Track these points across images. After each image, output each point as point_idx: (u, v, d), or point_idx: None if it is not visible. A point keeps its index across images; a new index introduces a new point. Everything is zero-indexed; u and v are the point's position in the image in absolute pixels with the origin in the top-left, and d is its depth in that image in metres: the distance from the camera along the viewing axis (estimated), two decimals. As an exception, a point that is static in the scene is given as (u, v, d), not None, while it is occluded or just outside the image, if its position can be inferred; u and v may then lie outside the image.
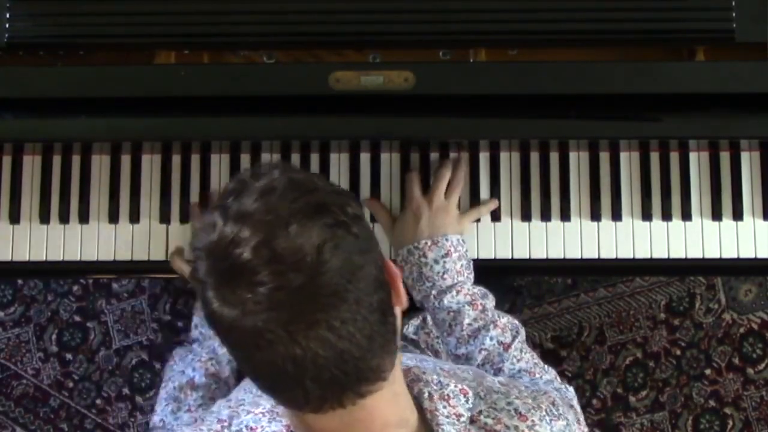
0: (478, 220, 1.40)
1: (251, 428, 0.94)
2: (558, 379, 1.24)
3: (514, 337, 1.26)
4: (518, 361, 1.24)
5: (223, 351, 1.30)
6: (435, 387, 0.95)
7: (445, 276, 1.30)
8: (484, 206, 1.39)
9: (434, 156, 1.41)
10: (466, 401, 0.95)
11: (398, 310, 0.88)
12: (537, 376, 1.23)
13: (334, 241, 0.79)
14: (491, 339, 1.25)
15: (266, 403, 0.97)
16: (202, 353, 1.30)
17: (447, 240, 1.31)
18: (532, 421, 0.95)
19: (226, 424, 0.98)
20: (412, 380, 0.95)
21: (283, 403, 0.87)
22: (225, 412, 1.02)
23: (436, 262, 1.30)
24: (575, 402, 1.15)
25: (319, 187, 0.83)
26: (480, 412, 0.95)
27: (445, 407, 0.93)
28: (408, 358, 1.09)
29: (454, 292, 1.29)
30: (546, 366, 1.26)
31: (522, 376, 1.22)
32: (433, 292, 1.29)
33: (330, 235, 0.79)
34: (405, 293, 0.89)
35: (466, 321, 1.27)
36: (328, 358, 0.79)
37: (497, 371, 1.24)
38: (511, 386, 1.03)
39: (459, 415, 0.93)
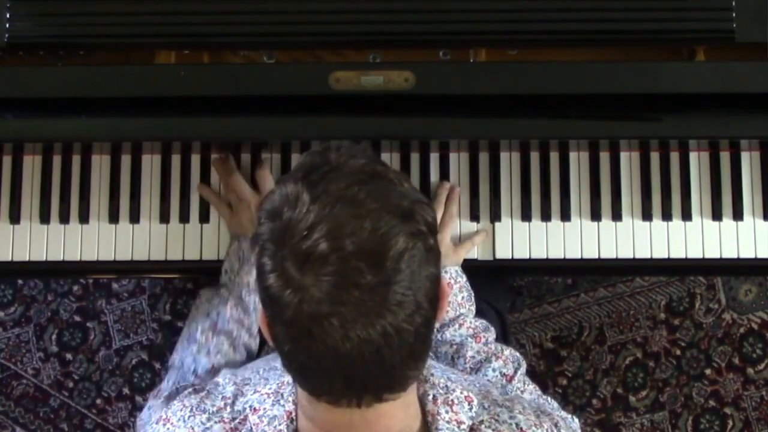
0: (477, 222, 1.40)
1: (254, 409, 0.95)
2: (562, 410, 1.24)
3: (516, 369, 1.26)
4: (522, 392, 1.24)
5: (249, 299, 1.30)
6: (441, 390, 0.95)
7: (447, 309, 1.30)
8: (477, 236, 1.39)
9: (434, 156, 1.41)
10: (470, 409, 0.95)
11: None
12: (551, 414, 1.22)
13: (412, 251, 0.80)
14: (494, 371, 1.25)
15: (273, 382, 0.97)
16: (229, 298, 1.30)
17: (446, 272, 1.32)
18: None
19: (229, 401, 0.98)
20: (418, 380, 0.95)
21: (302, 386, 0.88)
22: (230, 388, 1.02)
23: None
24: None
25: (406, 191, 0.84)
26: (482, 421, 0.95)
27: (447, 412, 0.93)
28: None
29: (456, 326, 1.29)
30: (549, 398, 1.26)
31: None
32: (436, 325, 1.29)
33: (411, 244, 0.80)
34: (445, 310, 0.90)
35: (469, 354, 1.27)
36: (369, 361, 0.80)
37: None
38: (515, 402, 1.03)
39: (460, 422, 0.93)
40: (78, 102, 1.31)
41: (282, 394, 0.95)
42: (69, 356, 2.09)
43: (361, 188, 0.81)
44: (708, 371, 2.05)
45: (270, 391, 0.96)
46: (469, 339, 1.28)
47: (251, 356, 1.32)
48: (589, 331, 2.07)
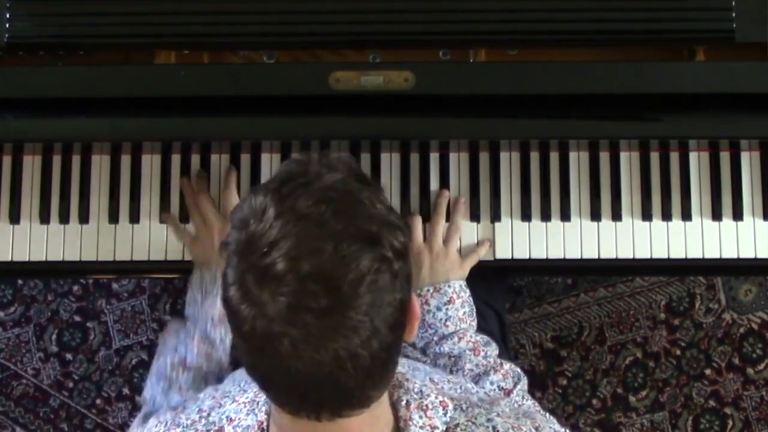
0: (477, 222, 1.40)
1: (230, 419, 0.95)
2: (562, 429, 1.23)
3: (515, 384, 1.26)
4: (519, 407, 1.23)
5: (215, 334, 1.29)
6: (415, 395, 0.94)
7: (448, 323, 1.30)
8: (481, 247, 1.38)
9: (434, 156, 1.41)
10: (445, 414, 0.94)
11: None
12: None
13: (374, 276, 0.78)
14: (491, 384, 1.25)
15: (251, 391, 0.97)
16: (194, 333, 1.29)
17: (449, 286, 1.32)
18: None
19: (204, 414, 0.99)
20: (393, 385, 0.94)
21: (267, 397, 0.89)
22: (208, 402, 1.02)
23: (439, 309, 1.31)
24: None
25: (376, 214, 0.82)
26: (457, 425, 0.94)
27: (421, 417, 0.92)
28: (401, 365, 1.09)
29: (456, 339, 1.29)
30: (548, 414, 1.23)
31: None
32: (435, 338, 1.30)
33: (374, 269, 0.78)
34: (416, 330, 0.89)
35: (468, 366, 1.27)
36: (323, 381, 0.79)
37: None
38: (495, 404, 1.02)
39: (434, 427, 0.92)
40: (78, 102, 1.31)
41: (257, 403, 0.95)
42: (69, 356, 2.09)
43: (328, 207, 0.79)
44: (708, 371, 2.05)
45: (247, 401, 0.96)
46: (468, 352, 1.28)
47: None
48: (589, 331, 2.07)
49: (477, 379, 1.27)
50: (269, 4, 1.31)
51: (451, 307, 1.31)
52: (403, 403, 0.93)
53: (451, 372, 1.28)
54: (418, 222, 1.37)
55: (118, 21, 1.32)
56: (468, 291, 1.34)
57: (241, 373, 1.14)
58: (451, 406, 0.95)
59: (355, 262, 0.77)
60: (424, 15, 1.31)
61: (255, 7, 1.31)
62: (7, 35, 1.31)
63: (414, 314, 0.87)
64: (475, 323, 1.34)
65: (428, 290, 1.31)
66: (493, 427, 0.95)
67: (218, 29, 1.32)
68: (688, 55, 1.35)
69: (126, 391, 2.08)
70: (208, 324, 1.29)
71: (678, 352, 2.06)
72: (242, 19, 1.31)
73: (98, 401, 2.08)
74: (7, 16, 1.31)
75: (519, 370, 1.29)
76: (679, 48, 1.36)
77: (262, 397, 0.94)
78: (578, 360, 2.06)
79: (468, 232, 1.40)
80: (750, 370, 2.05)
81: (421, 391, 0.95)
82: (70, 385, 2.09)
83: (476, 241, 1.40)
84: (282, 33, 1.32)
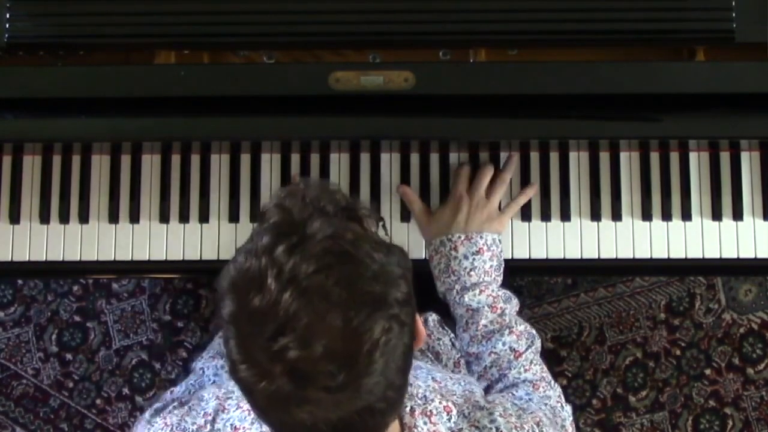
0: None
1: (235, 427, 0.95)
2: (561, 398, 1.23)
3: (528, 347, 1.26)
4: (526, 371, 1.24)
5: None
6: (419, 401, 0.95)
7: (471, 273, 1.29)
8: (522, 196, 1.37)
9: (434, 156, 1.41)
10: (449, 419, 0.95)
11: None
12: (540, 390, 1.22)
13: (387, 336, 0.78)
14: (504, 344, 1.25)
15: None
16: None
17: (481, 238, 1.31)
18: None
19: (210, 418, 0.99)
20: None
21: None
22: (212, 404, 1.02)
23: (466, 257, 1.30)
24: (568, 423, 1.14)
25: (377, 271, 0.81)
26: (461, 430, 0.95)
27: (425, 423, 0.93)
28: None
29: (477, 291, 1.28)
30: (553, 382, 1.25)
31: (523, 388, 1.21)
32: (457, 287, 1.29)
33: (386, 330, 0.78)
34: (422, 344, 0.89)
35: (482, 322, 1.27)
36: (338, 429, 0.80)
37: (502, 376, 1.24)
38: (497, 403, 1.03)
39: None
40: (78, 102, 1.31)
41: None
42: (69, 356, 2.09)
43: (330, 275, 0.78)
44: (708, 371, 2.05)
45: (250, 407, 0.96)
46: (486, 308, 1.28)
47: None
48: (589, 331, 2.07)
49: (490, 336, 1.26)
50: (269, 4, 1.31)
51: (478, 258, 1.30)
52: (407, 409, 0.94)
53: (467, 324, 1.28)
54: (464, 172, 1.37)
55: (118, 21, 1.32)
56: (501, 246, 1.33)
57: None
58: (455, 411, 0.96)
59: (368, 332, 0.77)
60: (424, 15, 1.31)
61: (255, 7, 1.31)
62: (7, 35, 1.31)
63: (420, 338, 0.87)
64: (500, 278, 1.33)
65: (459, 237, 1.31)
66: (497, 428, 0.96)
67: (218, 29, 1.32)
68: (688, 55, 1.35)
69: (126, 391, 2.08)
70: None
71: (678, 352, 2.06)
72: (242, 19, 1.31)
73: (98, 401, 2.08)
74: (7, 16, 1.31)
75: (533, 331, 1.29)
76: (679, 48, 1.36)
77: None
78: (578, 360, 2.06)
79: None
80: (750, 370, 2.05)
81: (425, 396, 0.95)
82: (70, 385, 2.09)
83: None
84: (282, 33, 1.32)
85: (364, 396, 0.79)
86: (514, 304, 1.32)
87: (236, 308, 0.79)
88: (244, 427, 0.95)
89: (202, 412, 1.01)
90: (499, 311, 1.28)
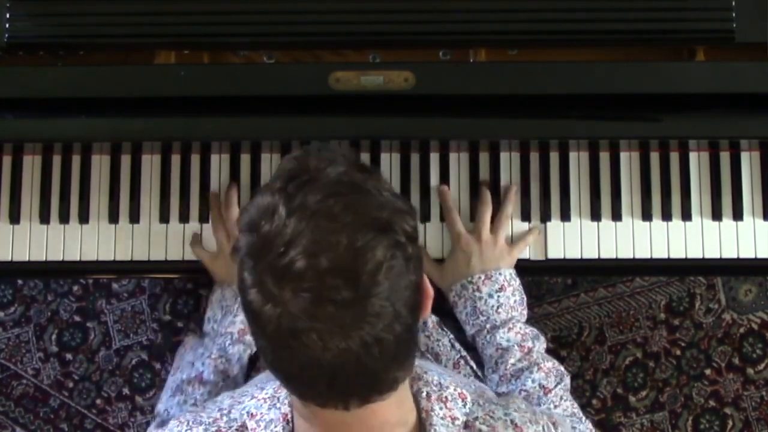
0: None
1: (251, 414, 0.96)
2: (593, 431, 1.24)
3: (557, 384, 1.26)
4: (555, 407, 1.24)
5: (233, 350, 1.29)
6: (434, 388, 0.95)
7: (500, 310, 1.31)
8: (530, 236, 1.39)
9: (434, 156, 1.41)
10: (464, 405, 0.95)
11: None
12: (567, 423, 1.21)
13: (390, 262, 0.80)
14: (533, 381, 1.26)
15: (270, 387, 0.97)
16: (213, 349, 1.30)
17: (500, 274, 1.32)
18: None
19: (225, 411, 0.99)
20: (413, 379, 0.96)
21: (289, 392, 0.89)
22: (227, 402, 1.03)
23: (491, 296, 1.31)
24: None
25: (385, 202, 0.83)
26: (476, 418, 0.95)
27: (441, 408, 0.93)
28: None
29: (506, 329, 1.29)
30: (583, 418, 1.25)
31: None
32: (487, 326, 1.30)
33: (389, 256, 0.80)
34: (429, 309, 0.90)
35: (511, 360, 1.27)
36: (350, 369, 0.81)
37: None
38: (511, 400, 1.03)
39: (454, 418, 0.93)
40: (78, 102, 1.31)
41: (278, 398, 0.95)
42: (69, 356, 2.09)
43: (338, 201, 0.80)
44: (708, 371, 2.05)
45: (267, 396, 0.97)
46: (516, 346, 1.28)
47: None
48: (589, 331, 2.06)
49: (519, 374, 1.27)
50: (269, 4, 1.31)
51: (502, 295, 1.31)
52: (424, 394, 0.94)
53: (496, 364, 1.28)
54: (455, 215, 1.37)
55: (118, 21, 1.32)
56: (518, 280, 1.34)
57: (262, 376, 1.15)
58: (469, 399, 0.96)
59: (371, 252, 0.79)
60: (424, 15, 1.31)
61: (255, 7, 1.31)
62: (7, 35, 1.31)
63: (427, 294, 0.88)
64: (525, 313, 1.34)
65: (480, 277, 1.31)
66: (512, 421, 0.97)
67: (218, 29, 1.32)
68: (688, 55, 1.35)
69: (126, 391, 2.08)
70: (227, 341, 1.29)
71: (678, 352, 2.06)
72: (242, 19, 1.31)
73: (98, 401, 2.08)
74: (7, 16, 1.31)
75: (563, 369, 1.29)
76: (679, 48, 1.36)
77: (282, 392, 0.95)
78: (578, 360, 2.06)
79: (519, 232, 1.40)
80: (750, 370, 2.05)
81: (440, 383, 0.96)
82: (70, 385, 2.09)
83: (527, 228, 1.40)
84: (282, 33, 1.32)
85: (370, 319, 0.79)
86: (542, 341, 1.32)
87: (249, 239, 0.81)
88: (261, 413, 0.95)
89: (217, 408, 1.01)
90: (527, 350, 1.29)
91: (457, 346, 1.38)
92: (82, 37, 1.33)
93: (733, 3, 1.29)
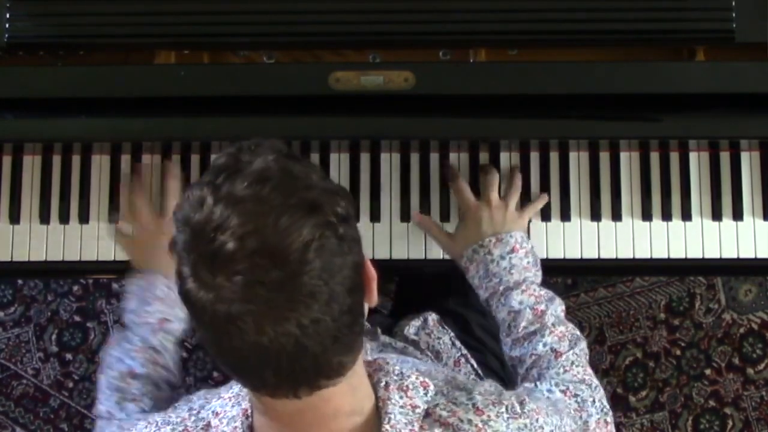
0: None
1: (216, 413, 0.96)
2: (602, 401, 1.20)
3: (570, 348, 1.24)
4: (565, 371, 1.21)
5: (155, 340, 1.28)
6: (395, 377, 0.95)
7: (513, 271, 1.29)
8: (538, 201, 1.39)
9: (434, 156, 1.41)
10: (425, 394, 0.95)
11: (367, 307, 0.89)
12: (579, 394, 1.18)
13: (320, 241, 0.80)
14: (544, 345, 1.24)
15: (236, 386, 0.98)
16: (136, 342, 1.28)
17: (511, 237, 1.31)
18: (488, 416, 0.95)
19: (195, 411, 1.00)
20: (375, 370, 0.95)
21: (242, 384, 0.90)
22: (198, 402, 1.03)
23: (503, 258, 1.30)
24: (593, 421, 1.13)
25: (314, 184, 0.84)
26: (437, 405, 0.95)
27: (401, 397, 0.93)
28: (390, 359, 1.09)
29: (520, 290, 1.27)
30: (594, 384, 1.22)
31: (555, 392, 1.17)
32: (501, 288, 1.28)
33: (317, 235, 0.80)
34: (376, 293, 0.90)
35: (523, 323, 1.26)
36: (291, 353, 0.80)
37: (539, 376, 1.22)
38: (478, 385, 1.02)
39: (415, 407, 0.93)
40: (78, 102, 1.31)
41: (241, 395, 0.96)
42: (69, 356, 2.09)
43: (264, 186, 0.81)
44: (708, 371, 2.05)
45: (232, 395, 0.97)
46: (528, 309, 1.27)
47: (176, 388, 1.30)
48: (589, 331, 2.07)
49: (531, 337, 1.25)
50: (269, 4, 1.31)
51: (514, 256, 1.30)
52: (383, 384, 0.94)
53: (509, 327, 1.27)
54: (463, 184, 1.37)
55: (118, 21, 1.32)
56: (530, 242, 1.33)
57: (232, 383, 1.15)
58: (431, 387, 0.96)
59: (297, 231, 0.79)
60: (424, 15, 1.31)
61: (255, 7, 1.31)
62: (7, 35, 1.31)
63: (370, 276, 0.88)
64: (540, 274, 1.32)
65: (491, 240, 1.31)
66: (473, 404, 0.96)
67: (218, 29, 1.32)
68: (688, 55, 1.35)
69: (126, 391, 2.08)
70: (146, 333, 1.28)
71: (678, 352, 2.06)
72: (242, 19, 1.31)
73: (98, 401, 2.08)
74: (7, 16, 1.31)
75: (578, 333, 1.27)
76: (679, 48, 1.36)
77: (245, 390, 0.95)
78: (578, 360, 2.06)
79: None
80: (750, 370, 2.05)
81: (401, 373, 0.96)
82: (70, 385, 2.09)
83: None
84: (282, 33, 1.32)
85: (304, 299, 0.79)
86: (557, 303, 1.30)
87: (182, 233, 0.82)
88: (224, 411, 0.95)
89: (188, 408, 1.02)
90: (539, 312, 1.27)
91: (458, 344, 1.38)
92: (82, 37, 1.33)
93: (733, 3, 1.29)
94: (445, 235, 1.37)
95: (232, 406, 0.95)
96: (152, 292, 1.29)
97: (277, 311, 0.79)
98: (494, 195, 1.35)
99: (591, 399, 1.18)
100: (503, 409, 0.96)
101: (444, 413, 0.94)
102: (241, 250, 0.78)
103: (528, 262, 1.31)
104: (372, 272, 0.89)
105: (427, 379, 0.96)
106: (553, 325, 1.26)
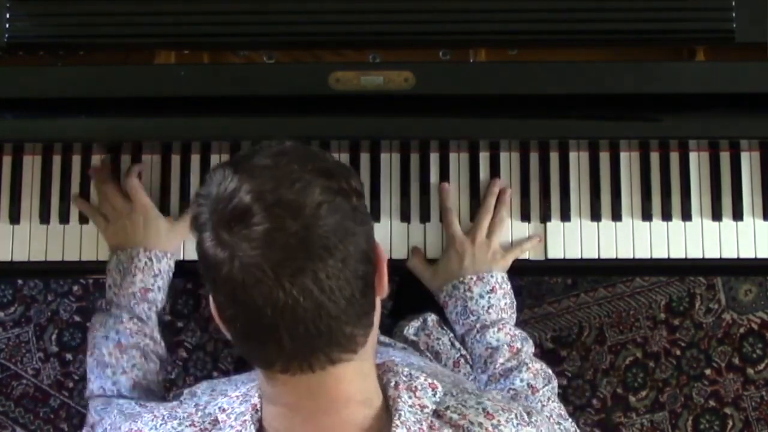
0: (478, 220, 1.40)
1: (223, 409, 0.96)
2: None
3: (545, 385, 1.27)
4: (543, 406, 1.24)
5: (139, 309, 1.31)
6: (404, 378, 0.95)
7: (490, 311, 1.31)
8: (527, 242, 1.40)
9: (434, 156, 1.41)
10: (434, 395, 0.95)
11: (379, 301, 0.90)
12: (562, 422, 1.23)
13: (333, 203, 0.83)
14: (521, 381, 1.26)
15: (244, 387, 0.98)
16: (122, 314, 1.30)
17: (492, 277, 1.33)
18: (498, 420, 0.95)
19: (201, 407, 1.00)
20: (384, 371, 0.96)
21: (255, 361, 0.89)
22: (204, 398, 1.04)
23: (481, 296, 1.32)
24: None
25: (329, 158, 0.89)
26: (447, 407, 0.95)
27: (410, 397, 0.93)
28: (395, 357, 1.09)
29: (496, 329, 1.30)
30: (570, 420, 1.26)
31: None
32: (477, 325, 1.31)
33: (330, 197, 0.83)
34: (387, 284, 0.92)
35: (500, 360, 1.28)
36: (306, 309, 0.82)
37: None
38: (486, 391, 1.03)
39: (423, 406, 0.93)
40: (78, 102, 1.31)
41: (249, 394, 0.96)
42: (69, 356, 2.09)
43: (282, 157, 0.86)
44: (708, 371, 2.05)
45: (239, 394, 0.97)
46: (505, 346, 1.29)
47: (163, 360, 1.34)
48: (589, 331, 2.07)
49: (507, 373, 1.27)
50: (269, 4, 1.31)
51: (493, 296, 1.32)
52: (392, 383, 0.94)
53: (485, 363, 1.29)
54: (452, 216, 1.38)
55: (118, 21, 1.32)
56: (509, 284, 1.35)
57: (243, 376, 1.15)
58: (440, 389, 0.96)
59: (312, 189, 0.83)
60: (424, 15, 1.31)
61: (255, 7, 1.31)
62: (7, 35, 1.31)
63: (381, 255, 0.90)
64: (514, 316, 1.35)
65: (471, 278, 1.32)
66: (483, 409, 0.96)
67: (218, 29, 1.32)
68: (688, 55, 1.35)
69: (126, 391, 2.07)
70: (131, 302, 1.31)
71: (678, 352, 2.06)
72: (242, 19, 1.31)
73: (98, 401, 2.08)
74: (7, 16, 1.31)
75: (551, 372, 1.30)
76: (679, 48, 1.36)
77: (254, 389, 0.95)
78: (578, 360, 2.06)
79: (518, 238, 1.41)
80: (750, 370, 2.05)
81: (410, 374, 0.96)
82: (70, 385, 2.09)
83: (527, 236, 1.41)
84: (282, 33, 1.32)
85: (323, 253, 0.81)
86: (530, 344, 1.33)
87: (205, 206, 0.85)
88: (232, 407, 0.96)
89: (194, 403, 1.02)
90: (515, 350, 1.29)
91: (457, 345, 1.39)
92: (82, 37, 1.33)
93: (733, 3, 1.29)
94: (426, 265, 1.39)
95: (240, 404, 0.95)
96: (134, 264, 1.32)
97: (294, 261, 0.81)
98: (482, 233, 1.37)
99: (573, 429, 1.21)
100: (513, 416, 0.97)
101: (455, 416, 0.94)
102: (257, 202, 0.82)
103: (506, 303, 1.33)
104: (382, 252, 0.91)
105: (435, 381, 0.97)
106: (529, 362, 1.28)
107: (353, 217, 0.85)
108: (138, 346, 1.29)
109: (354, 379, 0.89)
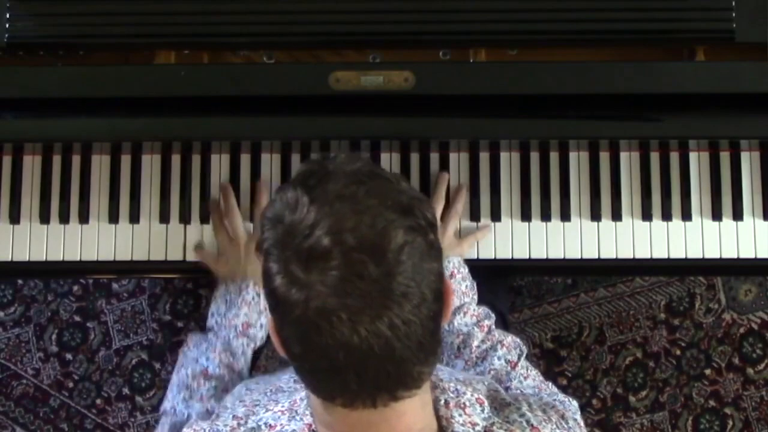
0: (477, 222, 1.40)
1: (270, 425, 0.95)
2: (560, 393, 1.24)
3: (519, 356, 1.27)
4: (525, 378, 1.24)
5: (237, 343, 1.30)
6: (452, 395, 0.95)
7: (453, 298, 1.30)
8: (480, 232, 1.40)
9: (434, 156, 1.41)
10: (482, 411, 0.96)
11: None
12: (543, 392, 1.23)
13: (413, 243, 0.81)
14: (499, 359, 1.26)
15: (285, 401, 0.97)
16: (216, 343, 1.30)
17: (449, 262, 1.33)
18: None
19: (242, 421, 0.99)
20: (431, 388, 0.95)
21: (315, 391, 0.88)
22: (240, 410, 1.02)
23: None
24: (578, 416, 1.15)
25: (404, 189, 0.86)
26: (493, 423, 0.95)
27: (461, 415, 0.93)
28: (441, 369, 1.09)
29: (461, 314, 1.30)
30: (549, 383, 1.26)
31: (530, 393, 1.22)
32: (444, 326, 1.30)
33: (411, 238, 0.81)
34: (451, 311, 0.91)
35: (475, 343, 1.28)
36: (379, 355, 0.80)
37: (506, 389, 1.24)
38: (521, 400, 1.04)
39: (474, 424, 0.93)
40: (78, 102, 1.31)
41: (296, 411, 0.95)
42: (69, 356, 2.09)
43: (359, 187, 0.82)
44: (708, 371, 2.05)
45: (284, 409, 0.96)
46: (475, 328, 1.28)
47: None
48: (589, 331, 2.07)
49: (485, 355, 1.27)
50: (269, 4, 1.31)
51: (453, 282, 1.31)
52: (442, 402, 0.94)
53: (459, 350, 1.28)
54: (455, 221, 1.38)
55: (118, 21, 1.32)
56: (467, 268, 1.35)
57: (264, 385, 1.13)
58: (486, 403, 0.97)
59: (394, 231, 0.80)
60: (424, 15, 1.31)
61: (255, 7, 1.31)
62: (7, 35, 1.31)
63: (448, 288, 0.89)
64: (476, 297, 1.35)
65: None
66: (527, 421, 0.97)
67: (218, 29, 1.32)
68: (688, 55, 1.35)
69: (126, 391, 2.08)
70: (230, 334, 1.30)
71: (678, 352, 2.06)
72: (242, 19, 1.31)
73: (98, 401, 2.08)
74: (7, 16, 1.31)
75: (518, 339, 1.30)
76: (679, 48, 1.36)
77: (301, 404, 0.94)
78: (578, 360, 2.06)
79: (469, 227, 1.40)
80: (750, 370, 2.05)
81: (456, 389, 0.96)
82: (70, 385, 2.09)
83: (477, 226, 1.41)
84: (282, 33, 1.32)
85: (398, 298, 0.79)
86: (492, 318, 1.32)
87: (274, 231, 0.83)
88: (280, 424, 0.94)
89: (231, 415, 1.01)
90: (486, 329, 1.29)
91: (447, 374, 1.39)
92: (82, 37, 1.33)
93: (733, 3, 1.29)
94: None
95: (289, 420, 0.94)
96: (242, 297, 1.31)
97: (372, 308, 0.79)
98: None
99: (565, 400, 1.21)
100: (554, 426, 0.98)
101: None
102: (337, 246, 0.79)
103: (466, 286, 1.33)
104: (450, 284, 0.89)
105: (481, 396, 0.97)
106: (500, 338, 1.28)
107: (429, 254, 0.83)
108: (222, 379, 1.28)
109: (415, 411, 0.88)
